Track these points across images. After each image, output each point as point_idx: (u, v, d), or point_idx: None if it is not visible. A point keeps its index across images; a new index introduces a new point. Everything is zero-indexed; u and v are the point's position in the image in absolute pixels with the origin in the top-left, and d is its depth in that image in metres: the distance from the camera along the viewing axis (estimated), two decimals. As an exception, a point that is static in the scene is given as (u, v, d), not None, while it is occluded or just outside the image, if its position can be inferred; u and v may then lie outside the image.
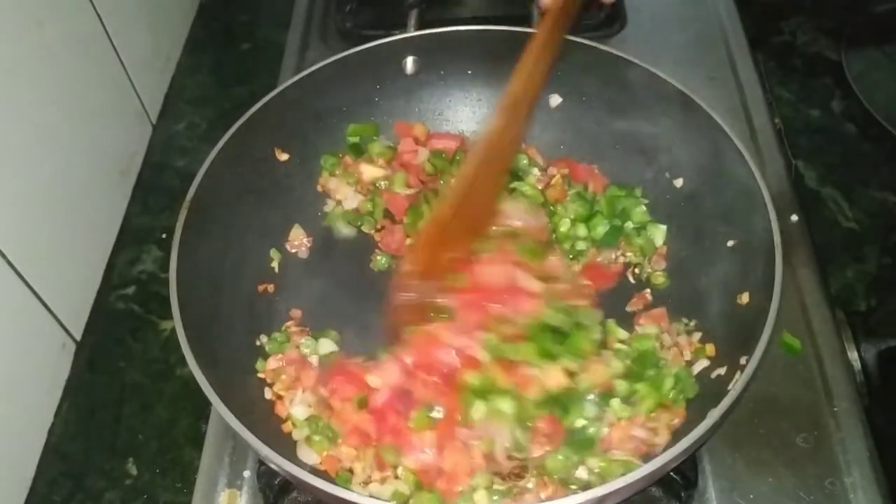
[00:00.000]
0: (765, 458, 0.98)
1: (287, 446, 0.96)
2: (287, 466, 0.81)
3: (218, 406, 0.84)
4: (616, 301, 1.10)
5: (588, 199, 1.18)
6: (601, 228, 1.16)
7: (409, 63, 1.23)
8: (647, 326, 1.06)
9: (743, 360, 0.88)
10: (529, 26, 1.36)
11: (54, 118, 1.17)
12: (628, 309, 1.09)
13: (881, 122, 1.37)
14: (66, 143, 1.20)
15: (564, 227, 1.16)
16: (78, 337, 1.21)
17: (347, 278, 1.16)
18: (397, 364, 0.97)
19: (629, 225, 1.16)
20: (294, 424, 0.98)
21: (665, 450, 0.80)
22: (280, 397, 1.01)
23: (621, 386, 0.97)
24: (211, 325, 0.99)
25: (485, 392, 0.93)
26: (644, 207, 1.16)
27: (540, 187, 1.21)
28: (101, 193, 1.31)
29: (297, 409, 0.99)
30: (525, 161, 1.23)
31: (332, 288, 1.14)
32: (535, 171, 1.23)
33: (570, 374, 0.96)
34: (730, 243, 1.05)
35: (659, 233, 1.15)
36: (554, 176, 1.22)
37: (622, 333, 1.04)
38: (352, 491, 0.79)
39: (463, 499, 0.89)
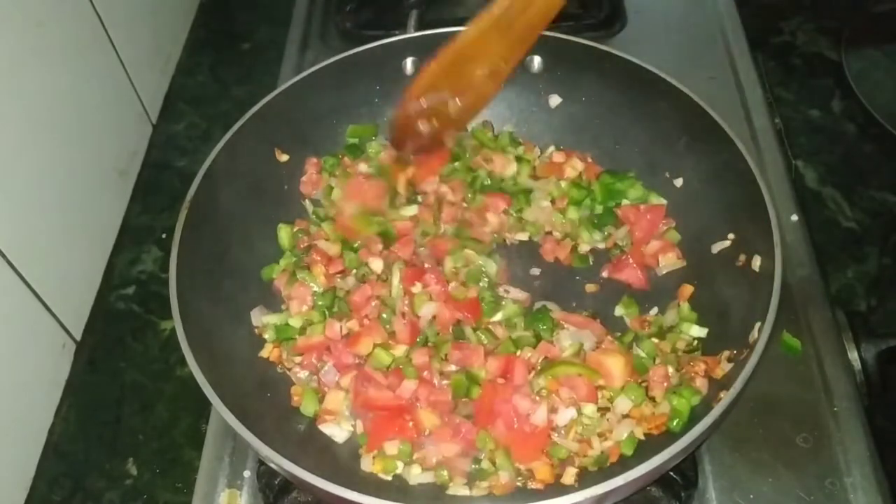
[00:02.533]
0: (765, 458, 0.98)
1: (287, 446, 0.95)
2: (287, 466, 0.81)
3: (218, 406, 0.85)
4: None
5: (584, 186, 1.19)
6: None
7: (409, 63, 1.23)
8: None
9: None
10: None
11: (54, 118, 1.17)
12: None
13: (881, 122, 1.37)
14: (67, 143, 1.20)
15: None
16: (78, 337, 1.21)
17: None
18: None
19: (625, 202, 1.16)
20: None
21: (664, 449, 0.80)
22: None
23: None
24: (211, 325, 0.99)
25: None
26: (640, 184, 1.17)
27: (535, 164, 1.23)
28: (101, 193, 1.31)
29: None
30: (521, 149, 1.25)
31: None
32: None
33: None
34: (729, 243, 1.05)
35: (659, 203, 1.16)
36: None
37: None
38: (352, 490, 0.79)
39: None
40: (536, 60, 1.22)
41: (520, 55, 0.98)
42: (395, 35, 1.23)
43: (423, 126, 0.98)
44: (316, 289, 1.09)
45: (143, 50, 1.47)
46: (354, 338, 1.03)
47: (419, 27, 1.41)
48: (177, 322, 0.91)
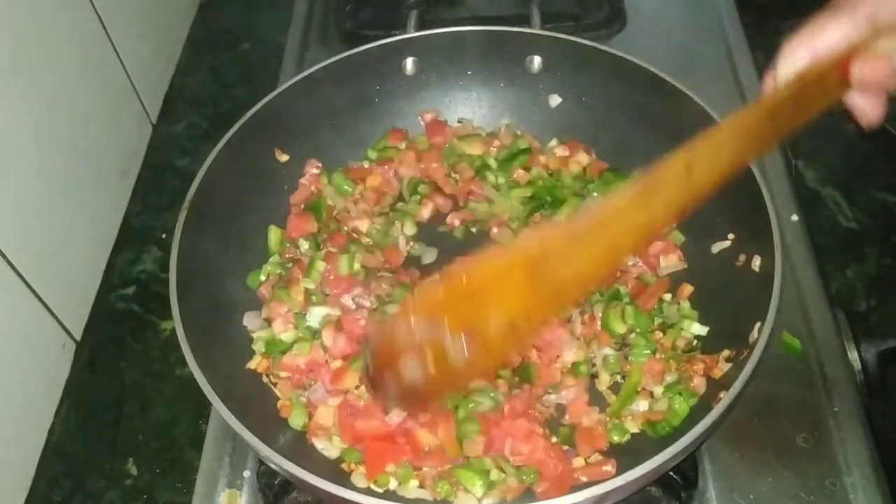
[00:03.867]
0: (765, 458, 0.98)
1: (287, 446, 0.96)
2: (287, 466, 0.81)
3: (218, 406, 0.84)
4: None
5: (584, 179, 1.20)
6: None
7: (409, 63, 1.24)
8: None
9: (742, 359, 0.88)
10: (529, 26, 1.37)
11: (54, 118, 1.17)
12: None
13: (881, 122, 1.36)
14: (66, 143, 1.20)
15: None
16: (78, 337, 1.20)
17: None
18: None
19: None
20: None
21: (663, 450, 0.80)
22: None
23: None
24: (211, 326, 0.99)
25: None
26: None
27: (543, 160, 1.22)
28: (101, 193, 1.31)
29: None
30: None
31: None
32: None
33: None
34: (729, 243, 1.05)
35: None
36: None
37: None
38: (352, 490, 0.79)
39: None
40: (536, 60, 1.22)
41: (545, 316, 0.72)
42: (395, 35, 1.23)
43: (410, 366, 0.68)
44: (296, 310, 1.06)
45: (143, 50, 1.47)
46: (338, 373, 1.00)
47: (419, 27, 1.41)
48: (177, 322, 0.90)
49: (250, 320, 1.06)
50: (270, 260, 1.13)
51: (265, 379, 1.03)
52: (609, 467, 0.90)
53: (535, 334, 0.86)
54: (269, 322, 1.07)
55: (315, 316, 1.05)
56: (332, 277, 1.09)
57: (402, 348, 0.68)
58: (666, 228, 0.70)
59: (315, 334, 1.05)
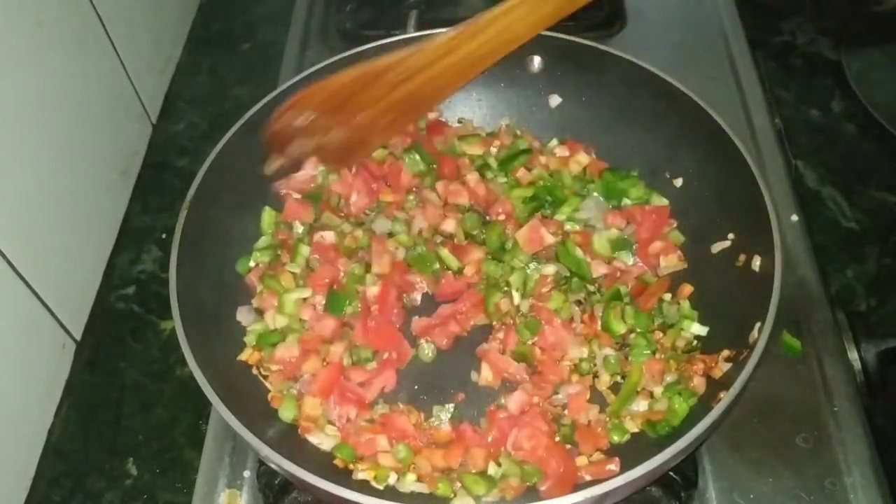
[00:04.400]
0: (765, 458, 0.98)
1: (287, 446, 0.95)
2: (287, 466, 0.81)
3: (218, 406, 0.85)
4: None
5: (584, 179, 1.20)
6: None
7: (410, 63, 1.23)
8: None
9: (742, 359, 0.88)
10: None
11: (54, 118, 1.17)
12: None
13: (881, 122, 1.37)
14: (66, 143, 1.20)
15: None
16: (78, 337, 1.21)
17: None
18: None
19: (626, 202, 1.16)
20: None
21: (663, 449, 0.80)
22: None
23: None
24: (211, 325, 0.99)
25: None
26: (642, 184, 1.17)
27: (543, 161, 1.22)
28: (101, 193, 1.31)
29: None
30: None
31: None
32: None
33: None
34: (729, 243, 1.05)
35: (662, 204, 1.15)
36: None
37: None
38: (352, 490, 0.79)
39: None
40: (536, 60, 1.22)
41: (404, 120, 1.02)
42: (395, 35, 1.23)
43: (300, 143, 1.03)
44: (285, 293, 1.07)
45: (143, 50, 1.47)
46: (333, 368, 1.02)
47: (419, 27, 1.41)
48: (177, 322, 0.91)
49: (243, 315, 1.07)
50: (261, 240, 1.13)
51: (255, 371, 1.03)
52: (613, 466, 0.90)
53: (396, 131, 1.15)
54: (260, 313, 1.07)
55: (299, 295, 1.07)
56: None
57: (293, 128, 1.02)
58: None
59: (304, 324, 1.06)
